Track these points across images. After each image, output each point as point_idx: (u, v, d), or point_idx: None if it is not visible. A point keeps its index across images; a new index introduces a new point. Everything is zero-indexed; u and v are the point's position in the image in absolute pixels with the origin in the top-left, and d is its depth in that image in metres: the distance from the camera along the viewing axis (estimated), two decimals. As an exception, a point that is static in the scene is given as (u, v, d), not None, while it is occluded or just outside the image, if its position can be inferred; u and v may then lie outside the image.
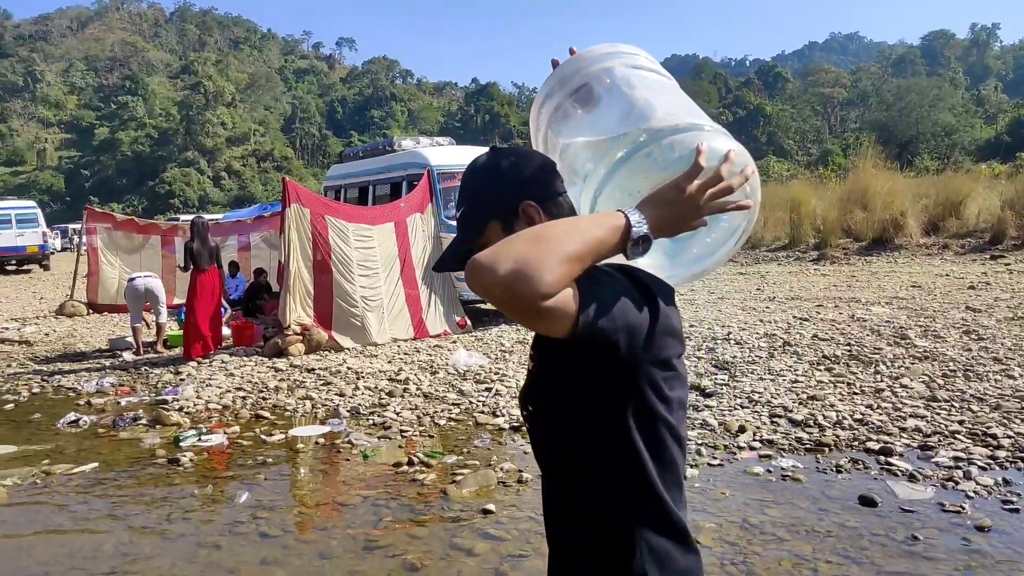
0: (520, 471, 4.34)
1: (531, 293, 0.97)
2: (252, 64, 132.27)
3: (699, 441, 4.75)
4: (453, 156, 10.86)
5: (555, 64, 1.34)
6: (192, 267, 8.40)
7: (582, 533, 1.19)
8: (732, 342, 7.83)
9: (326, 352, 8.34)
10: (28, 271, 25.65)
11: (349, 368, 7.47)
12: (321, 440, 5.24)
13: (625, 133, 1.16)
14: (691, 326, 8.91)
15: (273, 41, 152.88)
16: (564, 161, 1.28)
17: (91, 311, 13.03)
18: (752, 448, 4.61)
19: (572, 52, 1.34)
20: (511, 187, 1.24)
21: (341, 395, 6.39)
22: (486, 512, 3.78)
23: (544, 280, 0.97)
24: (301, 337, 8.37)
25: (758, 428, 4.95)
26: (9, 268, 25.50)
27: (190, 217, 11.96)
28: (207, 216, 12.43)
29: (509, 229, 1.20)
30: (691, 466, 4.32)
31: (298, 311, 8.39)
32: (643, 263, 1.16)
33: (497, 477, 4.25)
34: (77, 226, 42.31)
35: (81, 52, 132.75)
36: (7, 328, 11.56)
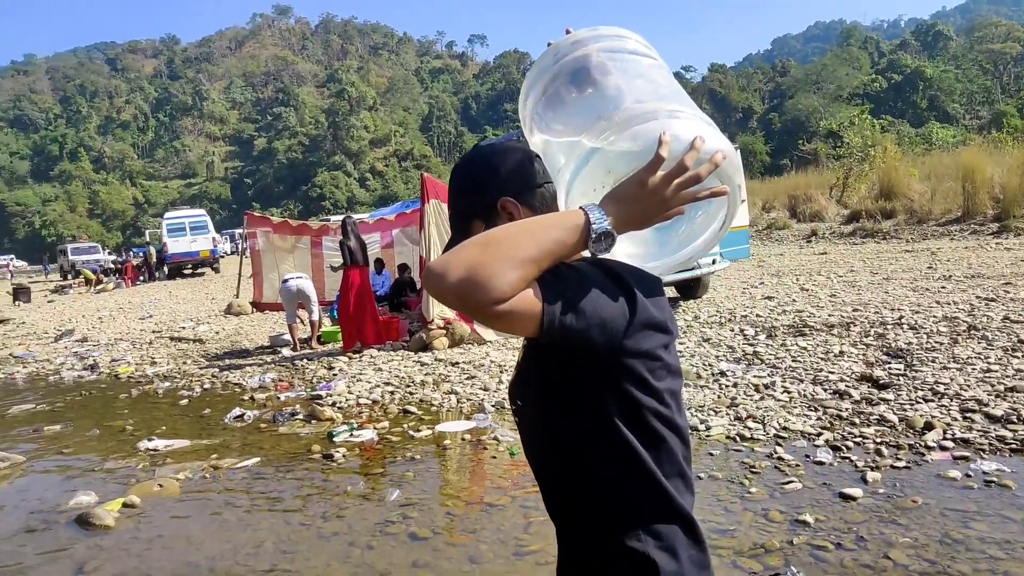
0: (676, 472, 4.05)
1: (482, 299, 0.96)
2: (390, 68, 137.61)
3: (878, 439, 4.26)
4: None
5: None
6: (349, 264, 8.69)
7: (585, 528, 1.16)
8: (905, 327, 7.07)
9: (469, 345, 8.36)
10: (201, 274, 27.94)
11: (492, 361, 7.43)
12: (467, 436, 5.18)
13: (592, 124, 1.11)
14: (855, 310, 8.18)
15: (409, 44, 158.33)
16: (545, 152, 1.24)
17: (255, 310, 13.89)
18: (944, 448, 4.06)
19: (568, 33, 1.27)
20: (488, 184, 1.23)
21: (485, 389, 6.33)
22: (642, 517, 3.53)
23: (494, 285, 0.96)
24: (445, 331, 8.45)
25: (948, 425, 4.37)
26: (185, 272, 27.91)
27: (339, 217, 12.44)
28: (354, 216, 12.90)
29: (491, 225, 1.17)
30: (871, 468, 3.86)
31: (440, 305, 8.45)
32: (623, 254, 1.12)
33: (651, 478, 3.99)
34: (242, 231, 45.82)
35: (240, 69, 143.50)
36: (183, 327, 12.56)
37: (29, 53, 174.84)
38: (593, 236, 1.03)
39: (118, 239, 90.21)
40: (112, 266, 31.32)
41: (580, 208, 1.05)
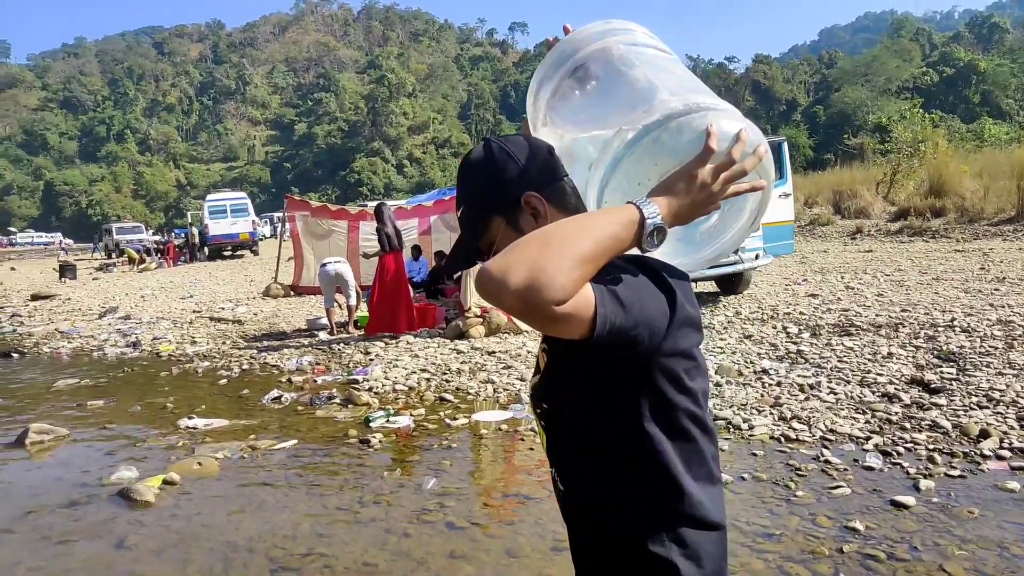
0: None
1: (546, 301, 0.91)
2: (431, 55, 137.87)
3: (931, 446, 4.11)
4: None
5: (551, 44, 1.25)
6: (386, 250, 8.71)
7: (609, 531, 1.13)
8: (957, 330, 6.85)
9: (506, 335, 8.32)
10: (241, 256, 28.35)
11: (529, 351, 7.38)
12: (504, 426, 5.14)
13: (628, 118, 1.07)
14: (903, 310, 7.95)
15: (449, 31, 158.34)
16: (564, 145, 1.20)
17: (293, 293, 14.02)
18: (1001, 458, 3.90)
19: (567, 30, 1.24)
20: (510, 179, 1.18)
21: (522, 379, 6.28)
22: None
23: (559, 286, 0.91)
24: (481, 320, 8.42)
25: (1005, 433, 4.20)
26: (225, 254, 28.35)
27: (376, 203, 12.50)
28: (390, 202, 12.96)
29: (514, 223, 1.17)
30: (924, 476, 3.72)
31: (477, 294, 8.43)
32: (655, 252, 1.07)
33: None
34: (280, 214, 46.45)
35: (282, 55, 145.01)
36: (223, 308, 12.73)
37: (80, 36, 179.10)
38: (647, 231, 1.00)
39: (160, 220, 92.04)
40: (155, 246, 31.92)
41: (631, 203, 1.02)
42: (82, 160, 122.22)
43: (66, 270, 23.26)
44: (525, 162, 1.19)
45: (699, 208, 1.05)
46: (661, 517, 1.10)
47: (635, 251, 1.04)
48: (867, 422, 4.59)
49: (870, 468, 3.88)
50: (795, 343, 6.89)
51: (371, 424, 5.33)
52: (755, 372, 6.02)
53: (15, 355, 9.33)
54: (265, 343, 9.13)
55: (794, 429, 4.54)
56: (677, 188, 1.03)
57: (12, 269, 30.55)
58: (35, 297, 16.60)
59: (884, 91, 68.50)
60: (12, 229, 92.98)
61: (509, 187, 1.18)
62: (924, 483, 3.62)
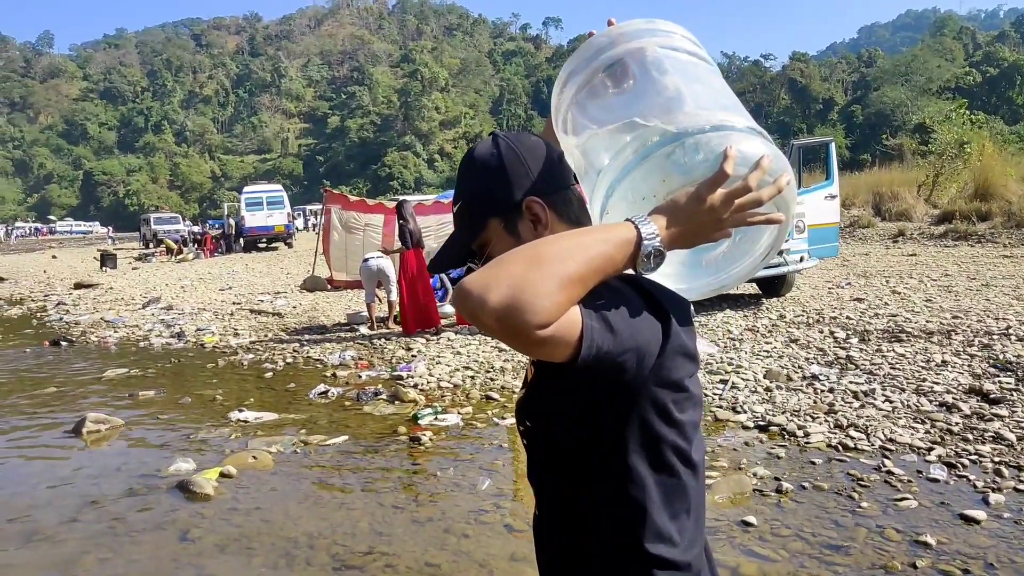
0: (777, 479, 3.91)
1: (528, 323, 0.85)
2: (464, 49, 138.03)
3: (996, 458, 4.01)
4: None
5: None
6: (408, 247, 8.77)
7: (578, 564, 1.08)
8: (1012, 338, 6.67)
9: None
10: (275, 248, 28.66)
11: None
12: (553, 427, 5.12)
13: (645, 126, 1.01)
14: (954, 317, 7.77)
15: (483, 25, 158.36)
16: (580, 146, 1.12)
17: (330, 287, 14.14)
18: (1071, 473, 3.79)
19: (610, 23, 1.16)
20: (513, 180, 1.11)
21: (568, 380, 6.25)
22: (746, 524, 3.41)
23: (542, 308, 0.85)
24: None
25: (1074, 448, 4.08)
26: (260, 245, 28.69)
27: (408, 197, 12.54)
28: (419, 197, 13.00)
29: (511, 227, 1.10)
30: (993, 489, 3.64)
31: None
32: (658, 275, 1.01)
33: (752, 484, 3.86)
34: (312, 207, 46.96)
35: (317, 48, 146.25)
36: (262, 300, 12.89)
37: (121, 27, 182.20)
38: (644, 253, 0.93)
39: (195, 210, 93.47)
40: (193, 237, 32.42)
41: (629, 221, 0.95)
42: (120, 150, 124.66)
43: (107, 259, 23.72)
44: (532, 164, 1.12)
45: (705, 234, 0.98)
46: (629, 555, 1.04)
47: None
48: (927, 432, 4.50)
49: (935, 480, 3.80)
50: (844, 348, 6.78)
51: (419, 421, 5.36)
52: (804, 377, 5.93)
53: (64, 343, 9.54)
54: (306, 337, 9.22)
55: (852, 438, 4.46)
56: (682, 209, 0.96)
57: (54, 257, 31.27)
58: (78, 286, 16.96)
59: (925, 91, 67.16)
60: (52, 218, 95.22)
61: (511, 189, 1.11)
62: (994, 497, 3.53)
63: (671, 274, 1.06)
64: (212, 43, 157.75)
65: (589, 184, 1.09)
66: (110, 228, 61.22)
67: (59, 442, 5.34)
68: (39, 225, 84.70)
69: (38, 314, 12.88)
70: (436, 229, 12.18)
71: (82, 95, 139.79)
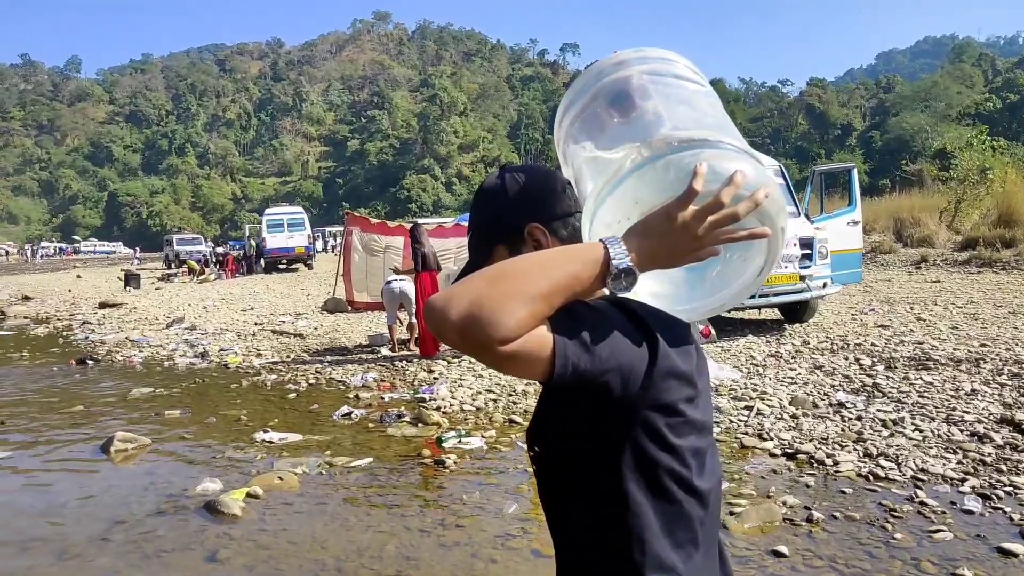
0: (808, 508, 3.86)
1: (486, 339, 0.88)
2: (482, 74, 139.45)
3: (1033, 491, 3.94)
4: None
5: None
6: (419, 270, 8.83)
7: None
8: (1044, 367, 6.58)
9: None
10: (295, 270, 28.90)
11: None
12: (578, 452, 5.09)
13: (623, 150, 1.02)
14: (982, 345, 7.68)
15: (501, 51, 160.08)
16: (574, 177, 1.17)
17: (351, 309, 14.22)
18: (1111, 507, 3.72)
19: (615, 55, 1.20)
20: (516, 209, 1.17)
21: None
22: (777, 555, 3.37)
23: (500, 322, 0.87)
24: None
25: (1113, 481, 4.01)
26: (281, 267, 28.95)
27: (427, 220, 12.62)
28: (439, 220, 13.08)
29: (516, 253, 1.13)
30: (1029, 523, 3.57)
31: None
32: (649, 293, 1.04)
33: (781, 513, 3.81)
34: (332, 229, 47.36)
35: (338, 73, 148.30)
36: (283, 321, 12.98)
37: (147, 52, 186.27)
38: (612, 272, 0.94)
39: (216, 232, 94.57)
40: (215, 258, 32.77)
41: (600, 241, 0.96)
42: (144, 172, 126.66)
43: (130, 279, 24.01)
44: (533, 193, 1.17)
45: (682, 253, 0.96)
46: None
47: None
48: (959, 462, 4.43)
49: (970, 512, 3.74)
50: (870, 376, 6.71)
51: (443, 444, 5.35)
52: (831, 405, 5.87)
53: (90, 362, 9.65)
54: (328, 358, 9.26)
55: (882, 467, 4.40)
56: (653, 228, 0.96)
57: (78, 277, 31.67)
58: (103, 305, 17.16)
59: (944, 117, 66.91)
60: (76, 238, 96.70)
61: (515, 217, 1.16)
62: (1042, 530, 3.47)
63: (665, 295, 1.06)
64: (235, 68, 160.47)
65: (585, 211, 1.11)
66: (137, 248, 62.02)
67: (88, 460, 5.38)
68: (64, 245, 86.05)
69: (64, 333, 13.05)
70: (456, 252, 12.24)
71: (108, 118, 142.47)
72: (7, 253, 71.90)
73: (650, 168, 0.99)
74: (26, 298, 20.69)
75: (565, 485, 1.09)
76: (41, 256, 69.45)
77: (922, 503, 3.86)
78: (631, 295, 1.01)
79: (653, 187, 0.99)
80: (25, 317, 15.93)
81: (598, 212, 1.04)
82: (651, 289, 1.05)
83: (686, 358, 1.03)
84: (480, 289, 0.90)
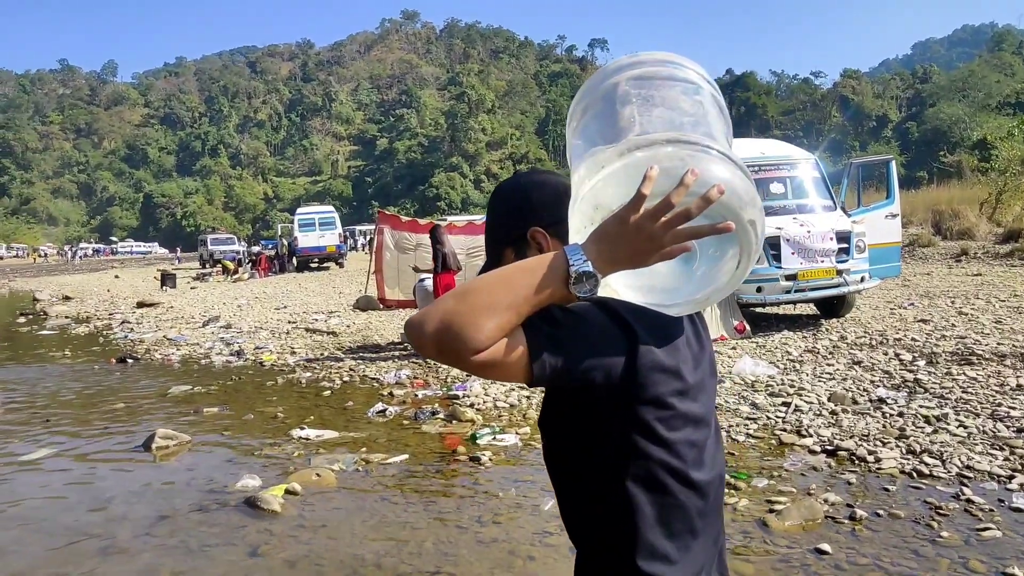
0: (850, 506, 3.80)
1: (459, 349, 0.95)
2: (510, 71, 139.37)
3: (1084, 490, 3.82)
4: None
5: None
6: (439, 271, 8.88)
7: (586, 572, 1.16)
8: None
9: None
10: (327, 268, 29.18)
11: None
12: (613, 449, 5.07)
13: (594, 156, 1.05)
14: (1027, 340, 7.48)
15: (529, 48, 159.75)
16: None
17: (382, 306, 14.31)
18: None
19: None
20: (521, 214, 1.24)
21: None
22: (820, 553, 3.32)
23: (469, 335, 0.94)
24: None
25: None
26: (312, 265, 29.26)
27: (456, 218, 12.67)
28: (467, 217, 13.11)
29: (521, 255, 1.20)
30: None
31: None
32: (635, 288, 1.06)
33: (823, 510, 3.75)
34: (362, 227, 47.74)
35: (367, 72, 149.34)
36: (316, 319, 13.11)
37: (180, 56, 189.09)
38: (572, 277, 0.96)
39: (248, 231, 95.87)
40: (249, 257, 33.23)
41: (562, 249, 1.00)
42: (179, 173, 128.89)
43: (167, 279, 24.44)
44: (536, 199, 1.24)
45: (644, 252, 0.97)
46: (623, 572, 1.09)
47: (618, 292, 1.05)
48: (1006, 459, 4.32)
49: (1019, 509, 3.65)
50: (911, 371, 6.58)
51: (478, 441, 5.36)
52: (871, 401, 5.77)
53: (130, 361, 9.84)
54: (361, 355, 9.34)
55: (926, 464, 4.31)
56: (608, 233, 0.98)
57: (116, 277, 32.35)
58: (140, 304, 17.49)
59: (983, 107, 65.33)
60: (114, 239, 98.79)
61: (520, 221, 1.23)
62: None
63: (654, 292, 1.08)
64: (266, 69, 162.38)
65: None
66: (178, 248, 63.17)
67: (130, 457, 5.49)
68: (101, 246, 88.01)
69: (104, 332, 13.33)
70: (466, 252, 12.28)
71: (143, 121, 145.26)
72: (45, 255, 73.72)
73: (609, 173, 1.02)
74: (67, 298, 21.17)
75: (566, 475, 1.16)
76: (80, 257, 71.10)
77: (968, 500, 3.78)
78: (616, 295, 1.06)
79: (613, 192, 1.01)
80: (66, 317, 16.30)
81: (571, 219, 1.08)
82: (638, 287, 1.08)
83: (671, 352, 1.08)
84: (450, 306, 0.97)
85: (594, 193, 1.04)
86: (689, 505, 1.10)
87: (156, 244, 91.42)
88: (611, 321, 1.04)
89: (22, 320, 16.13)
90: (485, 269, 1.25)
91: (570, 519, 1.18)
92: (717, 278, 1.08)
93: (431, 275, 10.02)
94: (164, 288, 23.38)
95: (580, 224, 1.06)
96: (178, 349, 10.68)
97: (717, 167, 0.99)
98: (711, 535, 1.15)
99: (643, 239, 0.96)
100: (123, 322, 14.50)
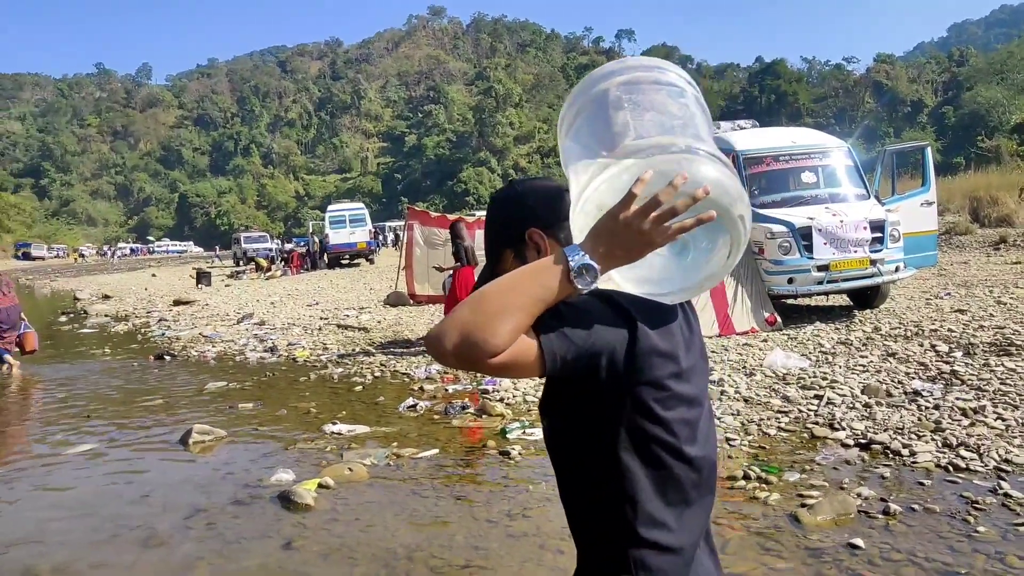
0: (884, 500, 3.76)
1: (479, 356, 1.02)
2: (537, 65, 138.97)
3: None
4: (759, 140, 10.10)
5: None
6: (462, 265, 8.93)
7: (588, 551, 1.24)
8: None
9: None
10: (357, 264, 29.44)
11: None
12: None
13: (590, 161, 1.14)
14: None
15: (556, 41, 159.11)
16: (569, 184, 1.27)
17: (412, 302, 14.42)
18: None
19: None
20: (518, 215, 1.31)
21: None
22: (853, 547, 3.29)
23: (487, 341, 1.02)
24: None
25: None
26: (343, 262, 29.55)
27: (483, 213, 12.72)
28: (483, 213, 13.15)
29: (520, 256, 1.29)
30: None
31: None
32: (635, 280, 1.16)
33: (856, 505, 3.71)
34: (391, 224, 48.06)
35: (395, 69, 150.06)
36: (347, 315, 13.25)
37: (212, 57, 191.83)
38: (573, 272, 1.05)
39: (280, 229, 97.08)
40: (282, 254, 33.66)
41: (562, 250, 1.08)
42: (212, 173, 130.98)
43: (202, 277, 24.87)
44: (533, 201, 1.32)
45: (636, 247, 1.06)
46: (623, 540, 1.17)
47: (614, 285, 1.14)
48: (1046, 453, 4.23)
49: (1058, 505, 3.57)
50: (947, 363, 6.46)
51: (508, 435, 5.39)
52: (905, 393, 5.68)
53: (167, 357, 10.05)
54: (392, 351, 9.42)
55: (962, 457, 4.24)
56: (603, 230, 1.06)
57: (153, 275, 33.01)
58: (177, 303, 17.84)
59: (1023, 89, 63.56)
60: (150, 238, 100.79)
61: (518, 223, 1.31)
62: None
63: (651, 283, 1.17)
64: (296, 69, 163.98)
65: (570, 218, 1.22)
66: (217, 247, 64.24)
67: (169, 451, 5.63)
68: (138, 245, 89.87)
69: (142, 330, 13.63)
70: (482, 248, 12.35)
71: (177, 122, 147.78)
72: (84, 255, 75.46)
73: (610, 177, 1.10)
74: (106, 297, 21.67)
75: (568, 453, 1.24)
76: (118, 256, 72.65)
77: (1006, 495, 3.71)
78: (616, 286, 1.16)
79: (614, 194, 1.08)
80: (106, 315, 16.68)
81: (575, 219, 1.15)
82: (636, 279, 1.17)
83: (667, 338, 1.18)
84: (466, 316, 1.04)
85: (598, 195, 1.11)
86: (684, 477, 1.19)
87: (191, 243, 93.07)
88: (612, 311, 1.13)
89: (64, 319, 16.55)
90: (485, 271, 1.35)
91: (570, 500, 1.26)
92: (708, 268, 1.17)
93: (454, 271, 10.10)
94: (199, 286, 23.78)
95: (584, 224, 1.12)
96: (213, 346, 10.88)
97: (707, 168, 1.08)
98: (704, 507, 1.25)
99: (633, 234, 1.05)
100: (160, 320, 14.80)
